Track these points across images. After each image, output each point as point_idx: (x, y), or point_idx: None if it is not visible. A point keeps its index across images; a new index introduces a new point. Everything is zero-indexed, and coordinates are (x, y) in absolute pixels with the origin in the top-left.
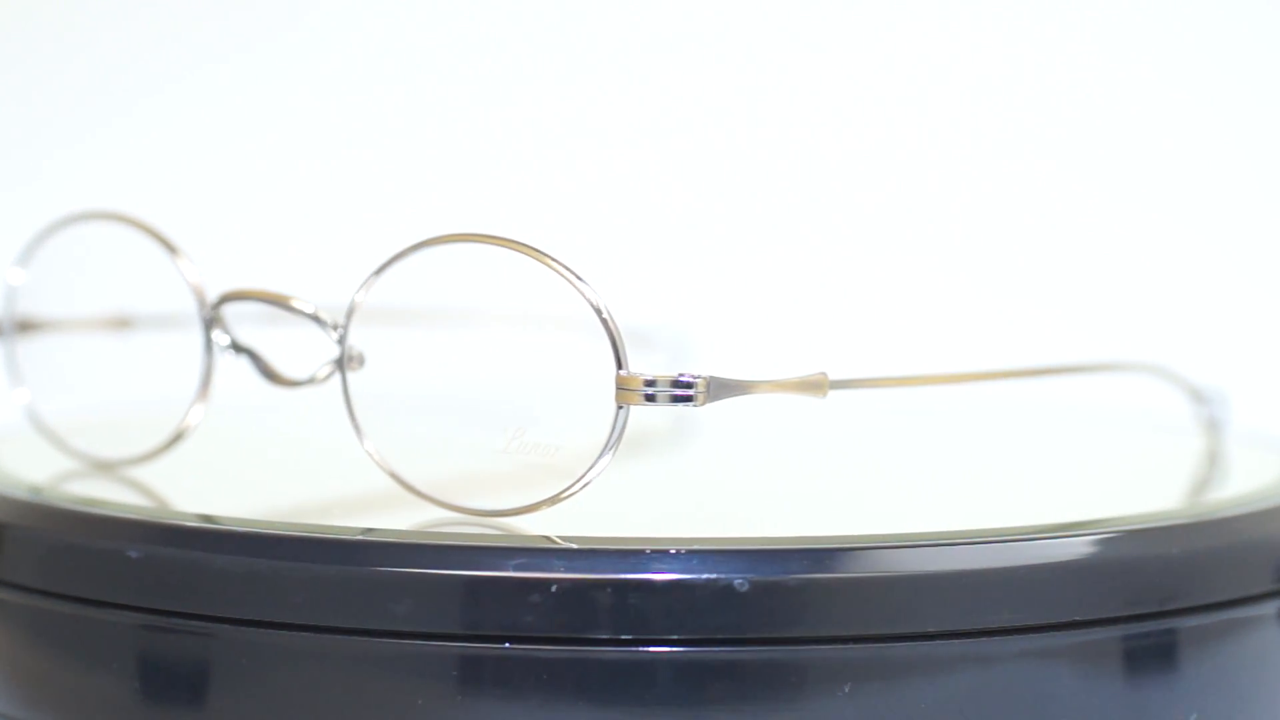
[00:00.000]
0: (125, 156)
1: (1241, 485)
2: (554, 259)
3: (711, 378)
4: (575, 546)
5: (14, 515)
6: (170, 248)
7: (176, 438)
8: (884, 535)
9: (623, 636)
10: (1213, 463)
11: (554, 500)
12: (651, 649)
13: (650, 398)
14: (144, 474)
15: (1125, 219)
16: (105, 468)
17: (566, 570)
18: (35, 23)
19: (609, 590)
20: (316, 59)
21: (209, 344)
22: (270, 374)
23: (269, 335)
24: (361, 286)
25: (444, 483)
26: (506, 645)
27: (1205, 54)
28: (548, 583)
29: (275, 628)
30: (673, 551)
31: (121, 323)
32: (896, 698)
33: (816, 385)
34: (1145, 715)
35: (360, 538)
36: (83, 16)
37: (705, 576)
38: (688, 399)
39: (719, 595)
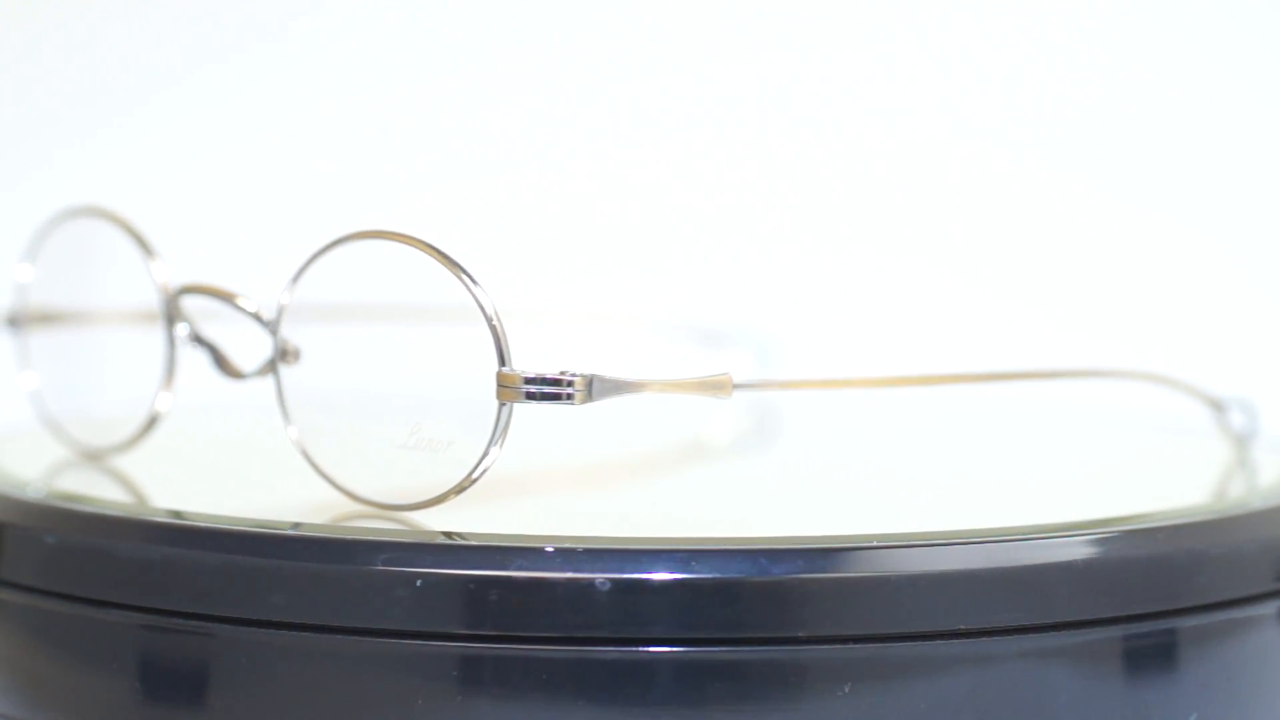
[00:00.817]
0: (134, 154)
1: (1242, 485)
2: (448, 257)
3: (594, 376)
4: (575, 546)
5: (14, 515)
6: (142, 242)
7: (149, 425)
8: (884, 535)
9: (622, 636)
10: (1213, 462)
11: (440, 499)
12: (651, 649)
13: (531, 395)
14: (144, 474)
15: (1140, 220)
16: (88, 457)
17: (566, 570)
18: (32, 21)
19: (608, 590)
20: (317, 57)
21: (170, 335)
22: (223, 366)
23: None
24: (288, 285)
25: (357, 475)
26: (506, 645)
27: (1206, 55)
28: (548, 582)
29: (275, 627)
30: (672, 551)
31: (153, 316)
32: (896, 698)
33: (719, 386)
34: (1145, 715)
35: (361, 537)
36: (80, 15)
37: (706, 576)
38: (567, 397)
39: (719, 595)
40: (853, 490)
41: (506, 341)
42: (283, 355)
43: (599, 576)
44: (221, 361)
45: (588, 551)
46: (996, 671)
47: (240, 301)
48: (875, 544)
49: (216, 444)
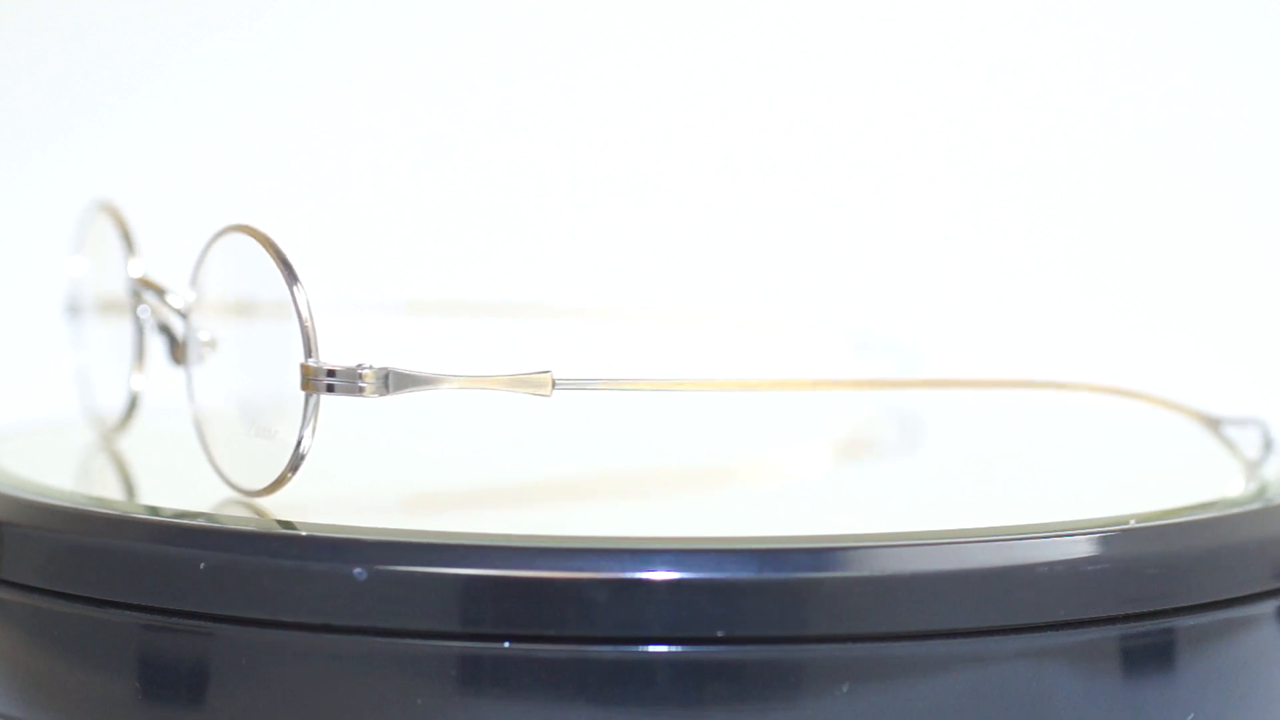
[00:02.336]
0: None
1: (1240, 485)
2: (279, 253)
3: (390, 371)
4: (575, 546)
5: (14, 514)
6: (125, 233)
7: (132, 406)
8: (883, 535)
9: (621, 636)
10: (1211, 462)
11: (271, 488)
12: (650, 649)
13: (330, 388)
14: (144, 473)
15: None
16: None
17: (566, 569)
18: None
19: (607, 589)
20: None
21: (135, 319)
22: (173, 355)
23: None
24: (189, 282)
25: (230, 462)
26: (506, 645)
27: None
28: (548, 582)
29: (276, 627)
30: (672, 551)
31: (239, 309)
32: (895, 697)
33: (536, 384)
34: (1143, 714)
35: (361, 537)
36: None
37: (705, 576)
38: (359, 389)
39: (719, 595)
40: (852, 490)
41: (315, 336)
42: (192, 347)
43: (599, 576)
44: (174, 349)
45: (588, 551)
46: (995, 671)
47: (169, 298)
48: (874, 544)
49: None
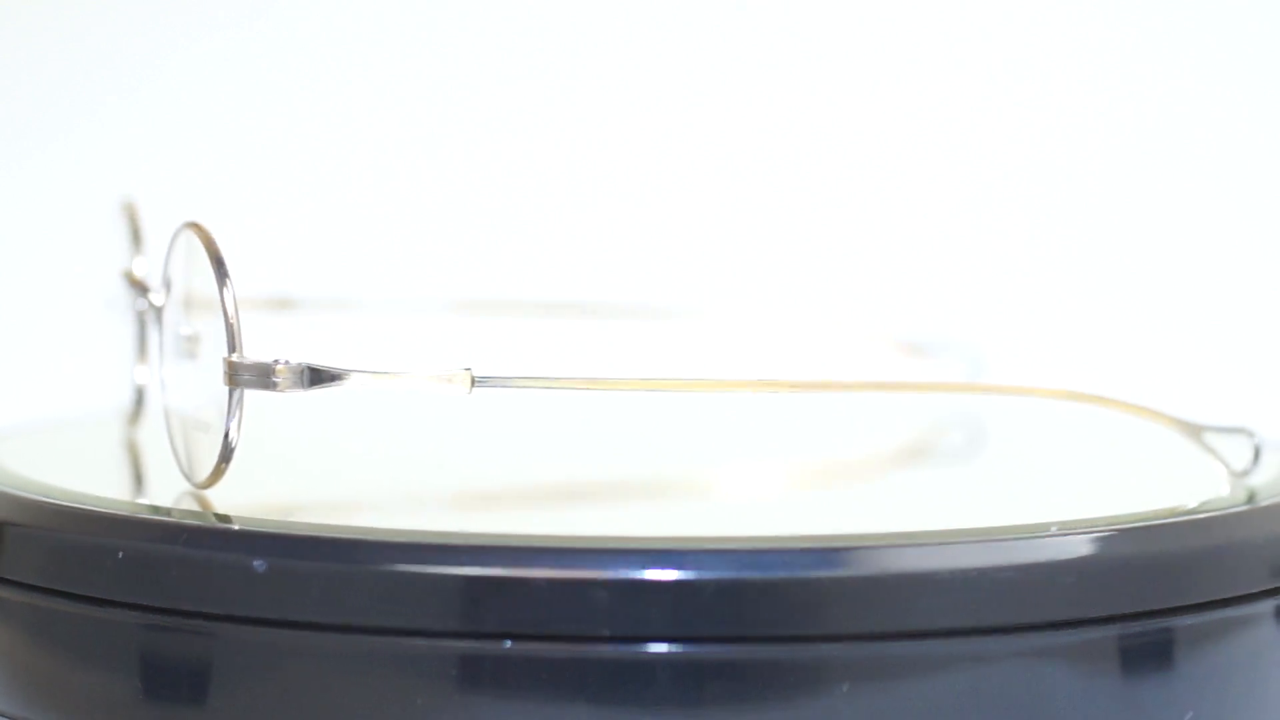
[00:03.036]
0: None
1: (1237, 484)
2: (211, 248)
3: (306, 366)
4: (575, 546)
5: (15, 513)
6: (136, 232)
7: (139, 399)
8: (882, 534)
9: (621, 636)
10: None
11: (208, 482)
12: (650, 648)
13: (248, 382)
14: (147, 472)
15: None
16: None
17: (566, 569)
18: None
19: (607, 589)
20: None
21: (136, 315)
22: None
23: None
24: (161, 279)
25: (187, 455)
26: (506, 644)
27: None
28: (548, 581)
29: (276, 626)
30: (672, 551)
31: (283, 304)
32: (894, 697)
33: (454, 380)
34: (1142, 713)
35: (362, 537)
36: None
37: (705, 576)
38: (274, 384)
39: (719, 594)
40: (851, 489)
41: (239, 332)
42: (170, 342)
43: (599, 575)
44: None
45: (588, 551)
46: (993, 670)
47: (151, 296)
48: (874, 543)
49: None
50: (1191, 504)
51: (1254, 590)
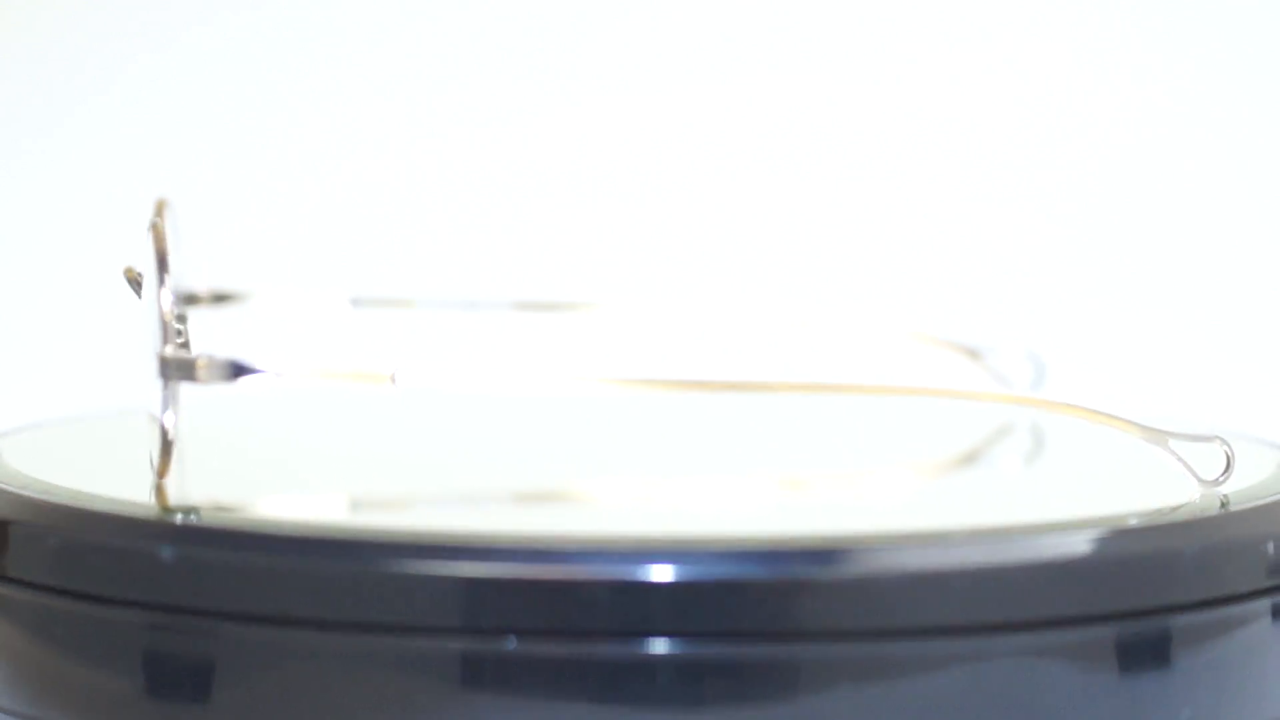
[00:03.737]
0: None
1: (1234, 483)
2: (158, 244)
3: (233, 361)
4: (575, 546)
5: (19, 511)
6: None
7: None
8: (881, 534)
9: (622, 635)
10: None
11: (159, 473)
12: (651, 648)
13: (175, 375)
14: (147, 472)
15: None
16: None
17: (567, 568)
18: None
19: (608, 589)
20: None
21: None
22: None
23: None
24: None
25: (151, 444)
26: (507, 644)
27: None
28: (549, 581)
29: (279, 625)
30: (672, 551)
31: (352, 300)
32: (893, 695)
33: (375, 376)
34: (1139, 711)
35: (362, 536)
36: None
37: (705, 575)
38: (196, 378)
39: (719, 594)
40: (850, 489)
41: (171, 328)
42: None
43: (599, 575)
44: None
45: (588, 551)
46: (991, 668)
47: (143, 290)
48: (873, 543)
49: (217, 443)
50: (1188, 503)
51: (1250, 589)
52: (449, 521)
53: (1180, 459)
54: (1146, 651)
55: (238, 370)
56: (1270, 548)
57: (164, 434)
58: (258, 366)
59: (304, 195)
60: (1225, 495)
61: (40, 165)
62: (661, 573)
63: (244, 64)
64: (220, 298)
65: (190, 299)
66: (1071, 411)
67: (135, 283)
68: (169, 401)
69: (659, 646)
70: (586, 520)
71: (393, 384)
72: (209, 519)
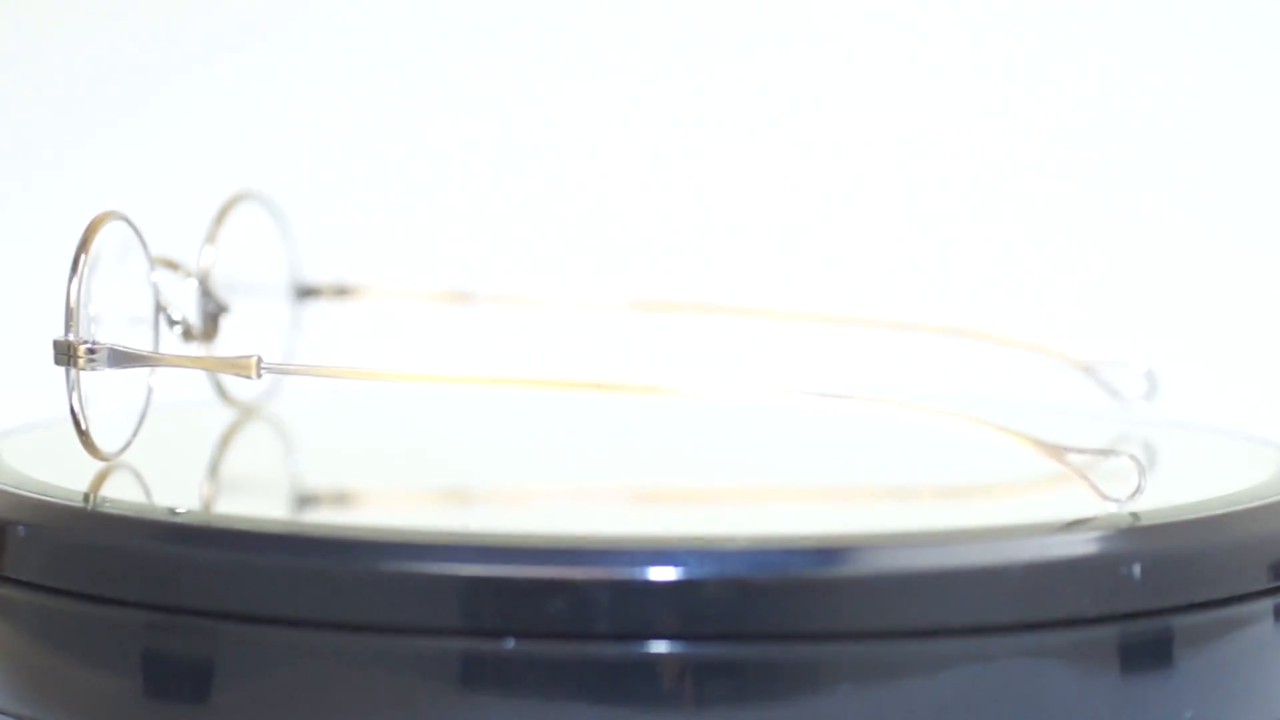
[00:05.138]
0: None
1: (1236, 483)
2: (85, 239)
3: (110, 348)
4: (576, 546)
5: (19, 512)
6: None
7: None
8: (881, 534)
9: (623, 635)
10: (1207, 459)
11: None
12: (651, 648)
13: (62, 360)
14: (150, 471)
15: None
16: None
17: (567, 568)
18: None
19: (609, 589)
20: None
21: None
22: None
23: None
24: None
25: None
26: (507, 644)
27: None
28: (549, 581)
29: (279, 625)
30: (672, 551)
31: (459, 296)
32: (894, 696)
33: (241, 366)
34: (1141, 711)
35: (363, 536)
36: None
37: (706, 575)
38: (75, 363)
39: (719, 594)
40: (850, 489)
41: (78, 315)
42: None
43: (600, 575)
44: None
45: (588, 551)
46: (993, 669)
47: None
48: (873, 543)
49: (218, 442)
50: (1190, 503)
51: (1253, 589)
52: (449, 521)
53: (1081, 474)
54: (1148, 652)
55: (118, 358)
56: (1271, 548)
57: (72, 416)
58: (137, 354)
59: (421, 191)
60: (1135, 513)
61: (39, 165)
62: (662, 573)
63: (380, 63)
64: (341, 291)
65: (310, 292)
66: (962, 420)
67: (169, 266)
68: (71, 386)
69: (659, 647)
70: (587, 520)
71: (257, 377)
72: (208, 519)
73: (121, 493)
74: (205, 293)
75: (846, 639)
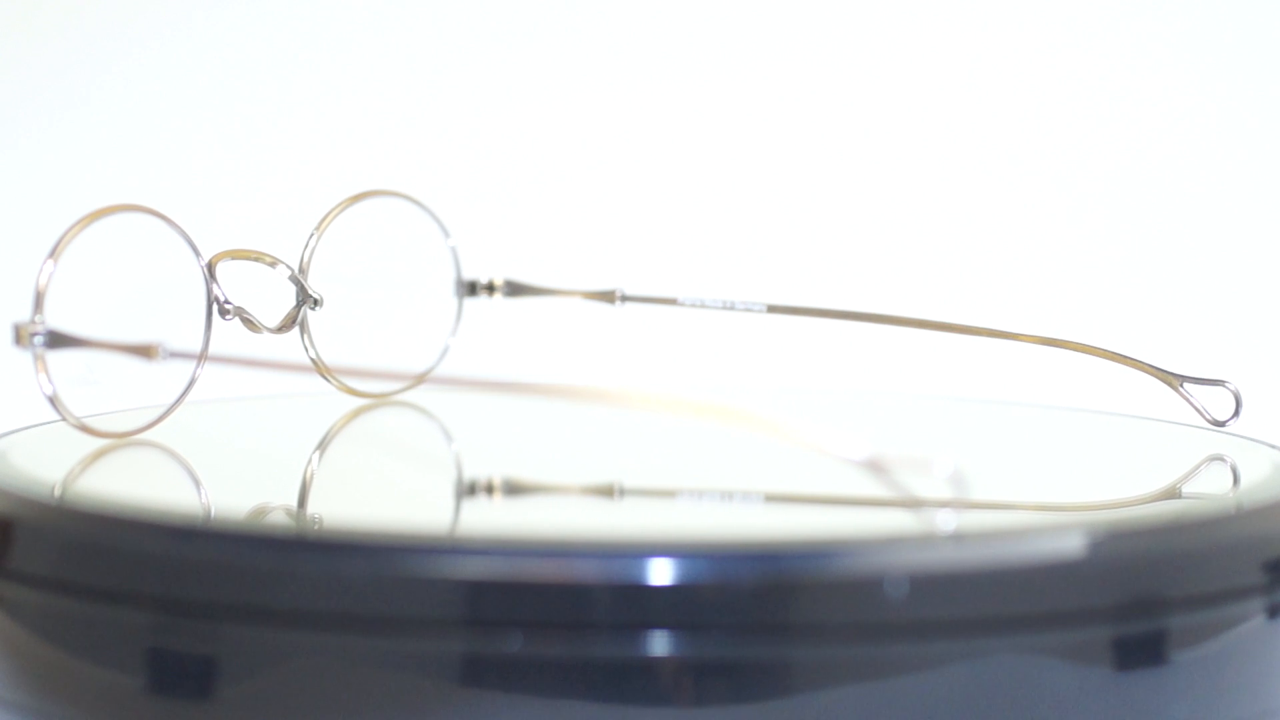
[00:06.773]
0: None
1: (1231, 482)
2: (65, 236)
3: (51, 331)
4: (576, 546)
5: (26, 511)
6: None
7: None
8: (881, 533)
9: (623, 635)
10: (1205, 459)
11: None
12: (651, 648)
13: (15, 340)
14: (152, 471)
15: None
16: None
17: (568, 568)
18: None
19: (609, 588)
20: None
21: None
22: (251, 326)
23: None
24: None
25: None
26: (508, 644)
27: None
28: (549, 581)
29: (281, 625)
30: (672, 551)
31: (607, 295)
32: (893, 694)
33: (145, 351)
34: (1136, 708)
35: (364, 537)
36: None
37: (705, 575)
38: (21, 345)
39: (719, 594)
40: (849, 488)
41: (43, 301)
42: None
43: (600, 575)
44: (249, 322)
45: (588, 551)
46: (990, 666)
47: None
48: (872, 542)
49: (220, 443)
50: (1186, 502)
51: (1245, 587)
52: (449, 521)
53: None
54: (1143, 649)
55: (55, 340)
56: (1266, 547)
57: (44, 394)
58: (74, 338)
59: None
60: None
61: (39, 165)
62: (662, 573)
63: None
64: (515, 289)
65: (483, 288)
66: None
67: (253, 259)
68: (37, 364)
69: (660, 646)
70: (587, 520)
71: (158, 359)
72: (212, 519)
73: (124, 492)
74: (299, 285)
75: (846, 638)
